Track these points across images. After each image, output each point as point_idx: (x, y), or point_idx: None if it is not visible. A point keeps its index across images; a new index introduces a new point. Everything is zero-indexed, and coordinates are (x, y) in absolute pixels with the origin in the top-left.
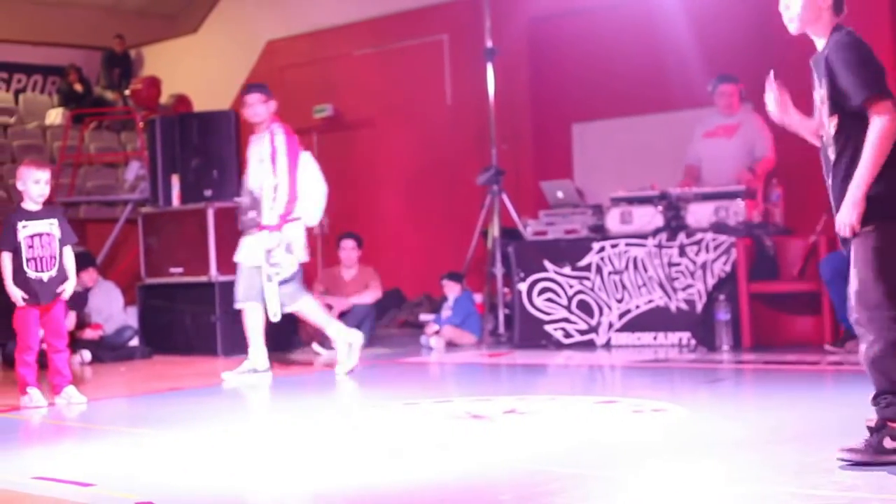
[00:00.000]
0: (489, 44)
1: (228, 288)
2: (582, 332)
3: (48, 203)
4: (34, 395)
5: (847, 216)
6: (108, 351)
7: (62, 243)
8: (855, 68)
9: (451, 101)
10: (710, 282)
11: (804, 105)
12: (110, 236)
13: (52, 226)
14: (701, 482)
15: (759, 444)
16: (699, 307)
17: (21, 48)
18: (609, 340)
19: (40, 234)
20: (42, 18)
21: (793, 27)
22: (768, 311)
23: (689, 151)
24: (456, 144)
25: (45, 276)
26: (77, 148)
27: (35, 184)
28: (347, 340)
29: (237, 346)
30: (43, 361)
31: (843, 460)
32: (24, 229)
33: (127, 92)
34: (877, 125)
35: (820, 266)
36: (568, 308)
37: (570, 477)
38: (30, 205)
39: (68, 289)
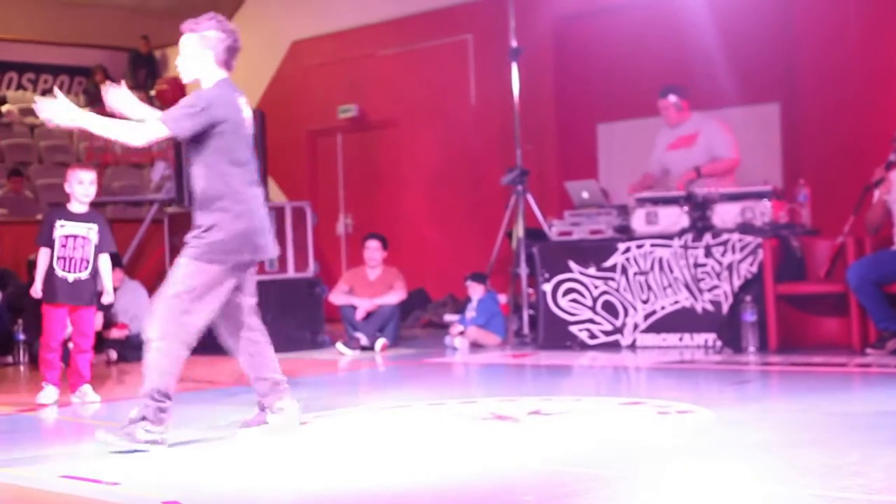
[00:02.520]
0: (514, 43)
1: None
2: (607, 333)
3: (94, 207)
4: (47, 391)
5: None
6: (134, 350)
7: (98, 249)
8: None
9: (475, 101)
10: (737, 283)
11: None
12: (136, 236)
13: (90, 230)
14: (725, 484)
15: (784, 446)
16: (725, 308)
17: (47, 49)
18: (634, 341)
19: (76, 236)
20: (68, 19)
21: None
22: (795, 312)
23: (651, 161)
24: (480, 144)
25: (71, 277)
26: (103, 148)
27: (79, 184)
28: None
29: None
30: (69, 360)
31: None
32: (62, 228)
33: (153, 92)
34: None
35: (847, 274)
36: (593, 309)
37: (595, 478)
38: (75, 206)
39: (105, 298)
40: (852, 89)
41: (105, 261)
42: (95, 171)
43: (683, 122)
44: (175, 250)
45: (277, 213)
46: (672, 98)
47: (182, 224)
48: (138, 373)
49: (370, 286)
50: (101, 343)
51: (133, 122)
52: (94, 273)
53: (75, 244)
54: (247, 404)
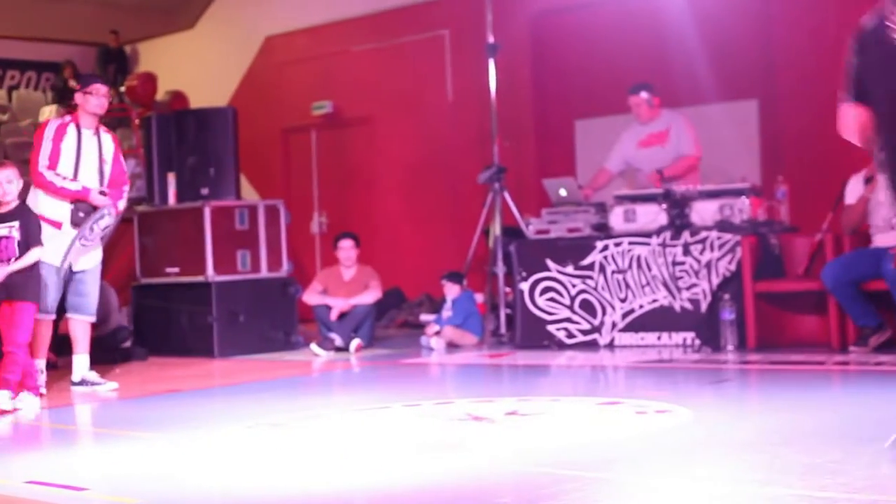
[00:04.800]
0: (491, 39)
1: (225, 288)
2: (585, 333)
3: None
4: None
5: None
6: (103, 352)
7: (22, 246)
8: None
9: (452, 98)
10: (715, 281)
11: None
12: None
13: (11, 229)
14: (705, 484)
15: (764, 445)
16: (704, 306)
17: (15, 44)
18: (612, 340)
19: None
20: (36, 14)
21: None
22: (774, 310)
23: (613, 157)
24: (457, 142)
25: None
26: None
27: None
28: None
29: (234, 346)
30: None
31: None
32: None
33: (122, 88)
34: None
35: (822, 274)
36: (571, 308)
37: (573, 479)
38: None
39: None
40: (831, 86)
41: (32, 252)
42: (14, 169)
43: (654, 119)
44: (145, 250)
45: (250, 212)
46: (644, 94)
47: (152, 223)
48: (109, 375)
49: (345, 286)
50: (68, 345)
51: None
52: (30, 268)
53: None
54: (221, 405)
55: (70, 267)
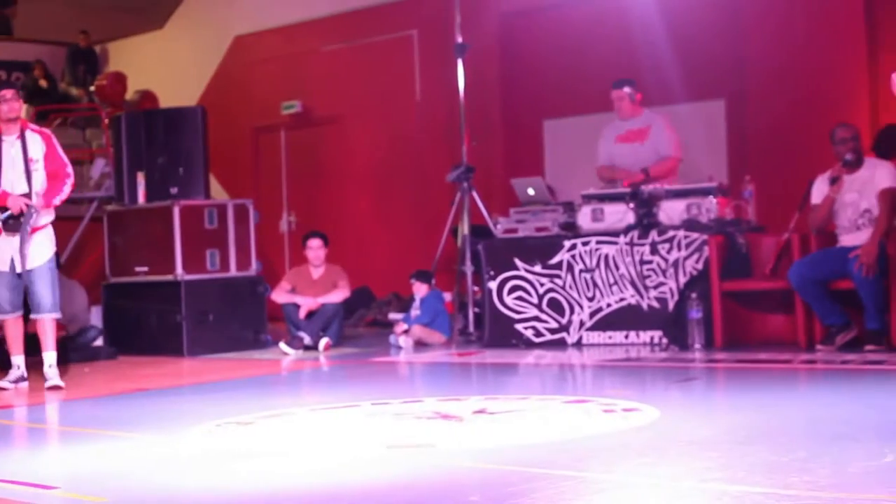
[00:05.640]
0: (459, 39)
1: (194, 287)
2: (553, 331)
3: None
4: None
5: None
6: (72, 351)
7: None
8: None
9: (420, 98)
10: (682, 280)
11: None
12: (75, 234)
13: None
14: (672, 482)
15: (731, 443)
16: (671, 305)
17: None
18: (580, 339)
19: None
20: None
21: None
22: (741, 309)
23: (602, 153)
24: (425, 141)
25: None
26: None
27: None
28: None
29: (203, 345)
30: None
31: None
32: None
33: (92, 88)
34: None
35: (788, 274)
36: (539, 307)
37: (541, 477)
38: None
39: None
40: (797, 87)
41: None
42: None
43: (635, 116)
44: (115, 249)
45: (220, 211)
46: (627, 90)
47: (122, 222)
48: (77, 374)
49: (313, 285)
50: (36, 344)
51: None
52: None
53: None
54: (190, 404)
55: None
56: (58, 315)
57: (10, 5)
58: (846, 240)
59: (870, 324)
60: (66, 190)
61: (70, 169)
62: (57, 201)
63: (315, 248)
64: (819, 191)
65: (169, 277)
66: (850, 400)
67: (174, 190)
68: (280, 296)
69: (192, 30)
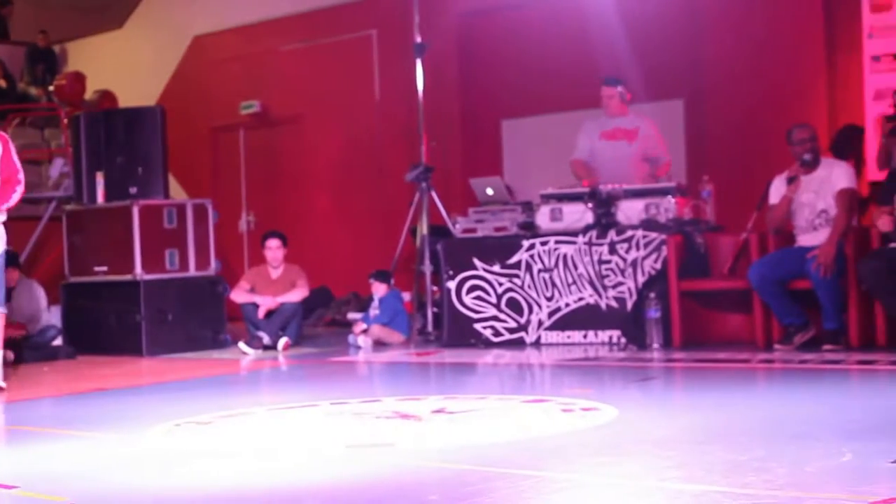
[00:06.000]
0: (418, 39)
1: (154, 287)
2: (511, 331)
3: None
4: None
5: None
6: (32, 351)
7: None
8: None
9: (379, 97)
10: (641, 279)
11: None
12: (34, 234)
13: None
14: (631, 481)
15: (689, 442)
16: (629, 305)
17: None
18: (539, 339)
19: None
20: None
21: None
22: (699, 308)
23: (582, 146)
24: (384, 141)
25: None
26: None
27: None
28: None
29: (162, 345)
30: None
31: None
32: None
33: (51, 88)
34: None
35: (748, 273)
36: (497, 306)
37: (500, 476)
38: None
39: None
40: (756, 87)
41: None
42: None
43: (623, 115)
44: (74, 249)
45: (179, 211)
46: (620, 89)
47: (81, 222)
48: (37, 373)
49: (272, 284)
50: None
51: None
52: None
53: None
54: (149, 403)
55: None
56: (2, 310)
57: (6, 5)
58: (804, 240)
59: (827, 323)
60: (15, 197)
61: (22, 175)
62: (3, 208)
63: (274, 248)
64: (777, 191)
65: (128, 277)
66: (808, 399)
67: (133, 190)
68: (239, 295)
69: (151, 30)
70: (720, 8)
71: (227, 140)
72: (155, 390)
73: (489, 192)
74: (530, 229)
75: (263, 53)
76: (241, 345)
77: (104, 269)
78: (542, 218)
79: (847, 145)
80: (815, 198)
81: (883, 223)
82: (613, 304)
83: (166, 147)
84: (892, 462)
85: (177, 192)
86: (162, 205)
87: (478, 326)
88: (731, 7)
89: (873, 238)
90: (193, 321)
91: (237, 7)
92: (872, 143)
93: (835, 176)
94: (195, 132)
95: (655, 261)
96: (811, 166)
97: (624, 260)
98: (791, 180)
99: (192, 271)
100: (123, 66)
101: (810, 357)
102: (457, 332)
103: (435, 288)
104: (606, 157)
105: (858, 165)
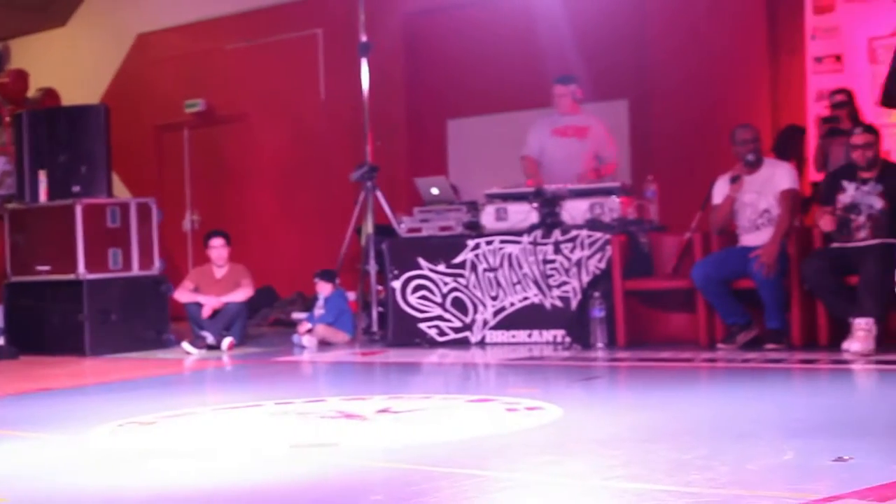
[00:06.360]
0: (363, 38)
1: (97, 286)
2: (456, 330)
3: None
4: None
5: None
6: None
7: None
8: None
9: (324, 97)
10: (585, 279)
11: (670, 99)
12: None
13: None
14: (575, 480)
15: (633, 441)
16: (574, 304)
17: None
18: (484, 338)
19: None
20: None
21: None
22: (643, 308)
23: (532, 143)
24: (329, 140)
25: None
26: None
27: None
28: None
29: (105, 345)
30: None
31: None
32: None
33: None
34: None
35: (692, 273)
36: (442, 306)
37: (444, 476)
38: None
39: None
40: (700, 87)
41: None
42: None
43: (575, 114)
44: (16, 248)
45: (122, 210)
46: (572, 87)
47: (23, 221)
48: None
49: (217, 284)
50: None
51: None
52: None
53: None
54: (92, 404)
55: None
56: None
57: None
58: (746, 240)
59: (770, 323)
60: None
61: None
62: None
63: (217, 248)
64: (720, 191)
65: (71, 276)
66: (751, 398)
67: (76, 188)
68: (183, 295)
69: (95, 28)
70: (665, 9)
71: (171, 139)
72: (98, 390)
73: (434, 191)
74: (475, 229)
75: (208, 52)
76: (185, 344)
77: (47, 268)
78: (487, 217)
79: (788, 146)
80: (758, 198)
81: (825, 223)
82: (558, 303)
83: (110, 146)
84: (834, 460)
85: (120, 191)
86: (105, 204)
87: (423, 326)
88: (675, 8)
89: (816, 238)
90: (137, 321)
91: (182, 5)
92: (813, 144)
93: (777, 176)
94: (139, 131)
95: (600, 260)
96: (754, 166)
97: (568, 259)
98: (734, 180)
99: (136, 271)
100: (66, 64)
101: (753, 356)
102: (402, 331)
103: (380, 287)
104: (557, 153)
105: (800, 165)
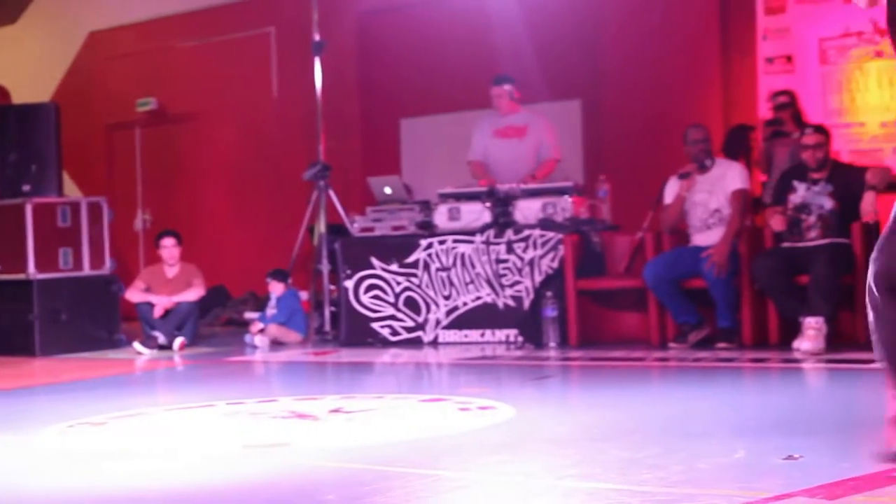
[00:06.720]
0: (317, 37)
1: (47, 286)
2: (409, 330)
3: None
4: None
5: None
6: None
7: None
8: None
9: (277, 95)
10: (538, 278)
11: (622, 99)
12: None
13: None
14: (528, 479)
15: (585, 440)
16: (526, 304)
17: None
18: (436, 338)
19: None
20: None
21: None
22: (595, 307)
23: (476, 146)
24: (282, 139)
25: None
26: None
27: None
28: None
29: (55, 345)
30: None
31: None
32: None
33: None
34: None
35: (643, 272)
36: (395, 305)
37: (396, 476)
38: None
39: None
40: (652, 87)
41: None
42: None
43: (514, 113)
44: None
45: (73, 209)
46: (507, 87)
47: None
48: None
49: (168, 284)
50: None
51: None
52: None
53: None
54: (42, 404)
55: None
56: None
57: None
58: (698, 239)
59: (721, 322)
60: None
61: None
62: None
63: (168, 247)
64: (671, 190)
65: (21, 276)
66: (702, 397)
67: (26, 187)
68: (134, 295)
69: (46, 25)
70: (618, 9)
71: (123, 137)
72: (48, 391)
73: (387, 190)
74: (428, 228)
75: (160, 50)
76: (137, 345)
77: None
78: (440, 217)
79: (737, 145)
80: (709, 197)
81: (776, 223)
82: (511, 303)
83: (60, 144)
84: (784, 459)
85: (71, 190)
86: (56, 203)
87: (375, 326)
88: (628, 8)
89: (766, 237)
90: (88, 321)
91: (134, 3)
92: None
93: (728, 176)
94: (90, 129)
95: (552, 260)
96: (705, 167)
97: (521, 259)
98: (683, 176)
99: (87, 270)
100: (17, 62)
101: (704, 355)
102: (354, 331)
103: (332, 287)
104: (500, 155)
105: (749, 165)
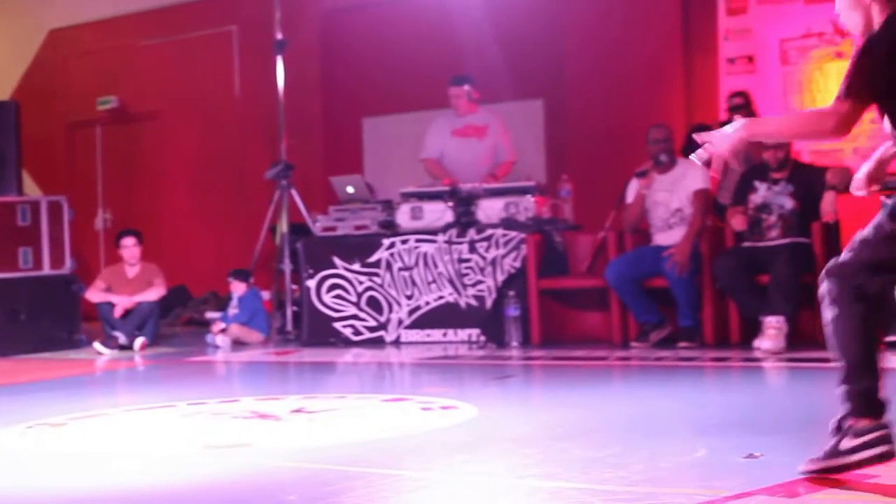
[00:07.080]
0: (279, 36)
1: (6, 286)
2: (371, 330)
3: None
4: None
5: None
6: None
7: None
8: None
9: (239, 94)
10: (500, 278)
11: (585, 99)
12: None
13: None
14: (490, 478)
15: (547, 439)
16: (489, 303)
17: None
18: (399, 337)
19: None
20: None
21: None
22: (557, 307)
23: (431, 144)
24: (244, 138)
25: None
26: None
27: None
28: None
29: (15, 345)
30: None
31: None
32: None
33: None
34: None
35: (605, 272)
36: (357, 305)
37: (358, 476)
38: None
39: None
40: (614, 87)
41: None
42: None
43: (473, 113)
44: None
45: (32, 208)
46: (466, 87)
47: None
48: None
49: (129, 283)
50: None
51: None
52: None
53: None
54: (2, 405)
55: None
56: None
57: None
58: (659, 238)
59: (683, 321)
60: None
61: None
62: None
63: (129, 247)
64: (633, 190)
65: None
66: (664, 396)
67: None
68: (94, 294)
69: (6, 23)
70: (580, 8)
71: (84, 136)
72: (7, 391)
73: (349, 190)
74: (390, 228)
75: (121, 48)
76: (97, 345)
77: None
78: (403, 216)
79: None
80: (670, 196)
81: (737, 222)
82: (473, 302)
83: (20, 143)
84: (745, 457)
85: (31, 189)
86: (15, 202)
87: (337, 325)
88: (591, 8)
89: (728, 237)
90: (48, 321)
91: (94, 1)
92: None
93: (690, 176)
94: (50, 128)
95: (515, 259)
96: (666, 166)
97: (484, 258)
98: (641, 174)
99: (47, 270)
100: None
101: (666, 354)
102: (316, 331)
103: (294, 287)
104: (458, 154)
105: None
